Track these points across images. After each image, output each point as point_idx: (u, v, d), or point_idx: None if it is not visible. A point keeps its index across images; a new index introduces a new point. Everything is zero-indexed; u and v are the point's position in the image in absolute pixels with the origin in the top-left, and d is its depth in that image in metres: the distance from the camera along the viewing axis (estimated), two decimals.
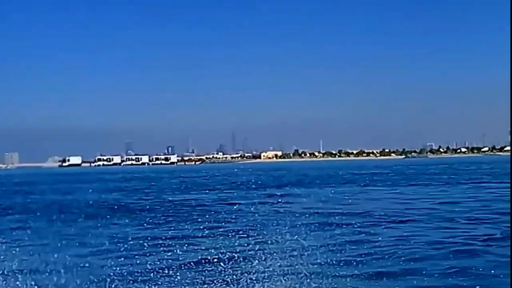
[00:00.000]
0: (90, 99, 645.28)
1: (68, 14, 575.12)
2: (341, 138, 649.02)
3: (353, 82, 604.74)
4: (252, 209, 34.71)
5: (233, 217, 32.47)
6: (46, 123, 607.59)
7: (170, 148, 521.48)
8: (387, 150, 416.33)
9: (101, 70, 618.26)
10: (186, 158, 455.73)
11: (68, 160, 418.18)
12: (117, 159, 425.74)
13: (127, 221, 33.40)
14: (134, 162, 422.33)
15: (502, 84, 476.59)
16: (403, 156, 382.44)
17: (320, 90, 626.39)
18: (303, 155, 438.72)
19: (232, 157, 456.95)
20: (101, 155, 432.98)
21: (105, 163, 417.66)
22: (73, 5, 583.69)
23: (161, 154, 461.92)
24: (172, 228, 29.01)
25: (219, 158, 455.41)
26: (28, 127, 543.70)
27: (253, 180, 74.29)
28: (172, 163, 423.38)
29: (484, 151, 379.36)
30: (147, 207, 41.24)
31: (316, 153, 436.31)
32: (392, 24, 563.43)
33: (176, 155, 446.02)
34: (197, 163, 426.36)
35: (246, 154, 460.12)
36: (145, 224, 30.82)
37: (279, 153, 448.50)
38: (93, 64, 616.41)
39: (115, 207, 41.18)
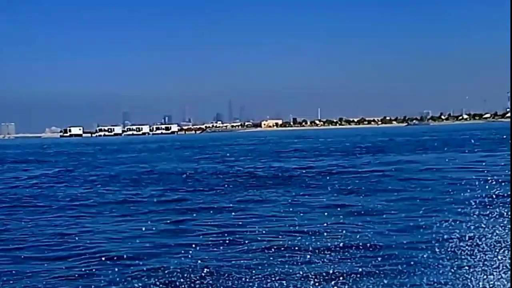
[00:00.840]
0: (85, 70, 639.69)
1: None
2: (338, 107, 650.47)
3: (349, 51, 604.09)
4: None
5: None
6: (41, 94, 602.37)
7: (167, 118, 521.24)
8: (388, 118, 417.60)
9: (96, 39, 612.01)
10: (185, 127, 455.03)
11: (70, 131, 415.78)
12: (118, 130, 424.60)
13: (297, 189, 33.21)
14: (135, 132, 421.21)
15: (502, 49, 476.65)
16: (405, 124, 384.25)
17: (316, 59, 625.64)
18: (304, 123, 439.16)
19: (232, 126, 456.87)
20: (101, 126, 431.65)
21: (106, 133, 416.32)
22: None
23: (159, 123, 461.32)
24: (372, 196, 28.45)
25: (219, 127, 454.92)
26: (24, 98, 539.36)
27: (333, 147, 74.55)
28: (173, 132, 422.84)
29: (486, 118, 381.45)
30: (287, 175, 41.33)
31: (317, 122, 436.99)
32: None
33: (176, 125, 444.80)
34: (197, 132, 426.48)
35: (246, 123, 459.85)
36: (335, 193, 30.52)
37: (279, 122, 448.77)
38: (88, 33, 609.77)
39: (257, 176, 41.25)
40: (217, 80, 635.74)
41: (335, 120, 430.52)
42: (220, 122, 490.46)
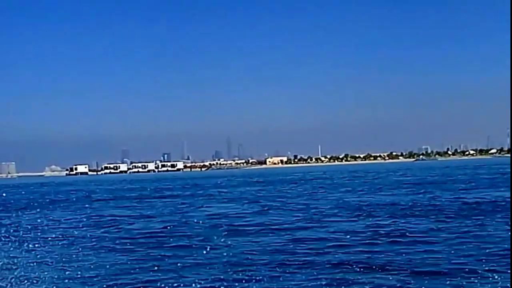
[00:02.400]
0: (83, 109, 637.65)
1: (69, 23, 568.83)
2: (336, 143, 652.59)
3: (346, 86, 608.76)
4: None
5: None
6: (40, 134, 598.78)
7: (166, 155, 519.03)
8: (394, 153, 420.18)
9: (95, 78, 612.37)
10: (189, 165, 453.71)
11: (76, 169, 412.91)
12: (123, 167, 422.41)
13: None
14: (140, 170, 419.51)
15: (504, 87, 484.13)
16: (413, 159, 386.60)
17: (313, 97, 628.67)
18: (309, 160, 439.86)
19: (236, 163, 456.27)
20: (106, 164, 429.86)
21: (112, 171, 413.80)
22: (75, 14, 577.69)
23: (158, 160, 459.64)
24: None
25: (223, 164, 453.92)
26: (21, 137, 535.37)
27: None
28: (178, 169, 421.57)
29: (492, 153, 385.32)
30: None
31: (323, 158, 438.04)
32: (392, 27, 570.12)
33: (182, 162, 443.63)
34: (202, 169, 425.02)
35: (251, 160, 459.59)
36: None
37: (284, 159, 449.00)
38: (86, 72, 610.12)
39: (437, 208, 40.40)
40: (214, 118, 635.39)
41: (340, 156, 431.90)
42: (222, 159, 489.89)
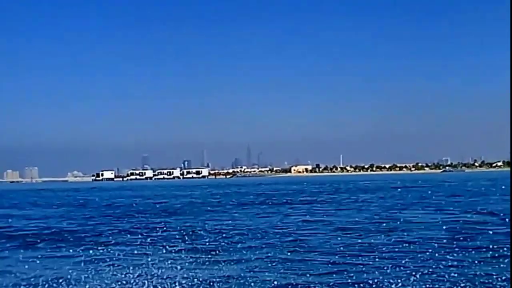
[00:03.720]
0: (106, 115, 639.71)
1: (81, 25, 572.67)
2: (355, 153, 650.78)
3: (364, 97, 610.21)
4: None
5: None
6: (63, 139, 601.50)
7: (186, 162, 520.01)
8: (420, 164, 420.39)
9: (115, 85, 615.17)
10: (212, 172, 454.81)
11: (102, 175, 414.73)
12: (149, 173, 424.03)
13: None
14: (166, 176, 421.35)
15: None
16: (441, 170, 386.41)
17: (333, 106, 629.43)
18: (334, 169, 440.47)
19: (260, 171, 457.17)
20: (132, 170, 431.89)
21: (138, 177, 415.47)
22: (86, 16, 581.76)
23: (181, 168, 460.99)
24: None
25: (249, 171, 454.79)
26: (46, 143, 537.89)
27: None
28: (203, 176, 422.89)
29: None
30: None
31: (348, 168, 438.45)
32: (407, 34, 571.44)
33: (208, 169, 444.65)
34: (227, 176, 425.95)
35: (275, 168, 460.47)
36: None
37: (309, 167, 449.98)
38: (107, 80, 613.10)
39: None
40: (235, 126, 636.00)
41: (366, 166, 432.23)
42: (245, 167, 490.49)
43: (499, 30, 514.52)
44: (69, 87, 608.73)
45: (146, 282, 18.03)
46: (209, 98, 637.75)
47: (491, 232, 29.75)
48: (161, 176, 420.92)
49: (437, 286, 17.84)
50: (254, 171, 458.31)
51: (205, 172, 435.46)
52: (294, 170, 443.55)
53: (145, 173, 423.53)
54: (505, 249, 23.36)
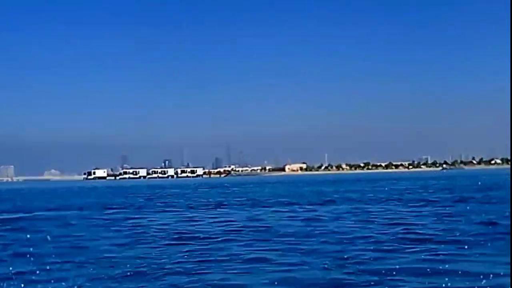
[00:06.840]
0: (83, 112, 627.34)
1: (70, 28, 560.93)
2: (340, 151, 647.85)
3: (351, 95, 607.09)
4: None
5: None
6: (39, 137, 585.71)
7: (167, 161, 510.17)
8: (416, 162, 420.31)
9: (95, 83, 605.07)
10: (207, 171, 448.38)
11: (94, 173, 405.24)
12: (143, 172, 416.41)
13: None
14: (160, 175, 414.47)
15: None
16: (440, 168, 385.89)
17: (315, 102, 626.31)
18: (329, 168, 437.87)
19: (253, 170, 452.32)
20: (125, 169, 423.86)
21: (131, 176, 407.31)
22: (77, 18, 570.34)
23: (158, 167, 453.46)
24: None
25: (244, 170, 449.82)
26: (22, 141, 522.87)
27: None
28: (198, 175, 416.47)
29: None
30: None
31: (343, 166, 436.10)
32: (399, 35, 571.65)
33: (202, 168, 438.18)
34: (221, 175, 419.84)
35: (268, 167, 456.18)
36: None
37: (304, 166, 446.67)
38: (85, 78, 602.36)
39: None
40: (213, 125, 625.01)
41: (361, 165, 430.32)
42: (233, 166, 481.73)
43: (482, 30, 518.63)
44: (47, 83, 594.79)
45: None
46: (187, 96, 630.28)
47: None
48: (155, 176, 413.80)
49: None
50: (247, 169, 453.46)
51: (199, 171, 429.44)
52: (288, 168, 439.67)
53: (138, 172, 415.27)
54: None
